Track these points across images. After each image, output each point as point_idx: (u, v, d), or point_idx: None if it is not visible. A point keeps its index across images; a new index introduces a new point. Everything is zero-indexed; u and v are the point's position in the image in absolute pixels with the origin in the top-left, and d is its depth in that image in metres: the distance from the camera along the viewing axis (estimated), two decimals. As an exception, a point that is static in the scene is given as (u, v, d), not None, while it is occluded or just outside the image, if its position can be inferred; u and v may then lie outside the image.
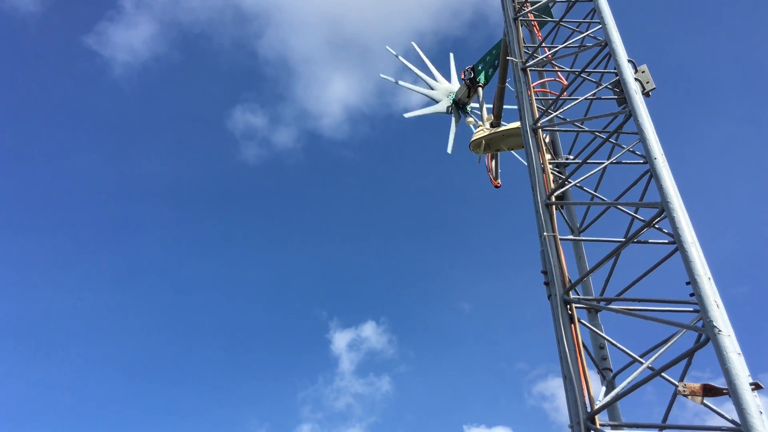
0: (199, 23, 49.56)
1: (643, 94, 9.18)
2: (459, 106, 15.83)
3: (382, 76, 16.22)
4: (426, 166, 49.33)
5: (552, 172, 9.69)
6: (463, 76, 15.71)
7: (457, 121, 15.62)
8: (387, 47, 16.56)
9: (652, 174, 7.66)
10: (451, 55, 16.50)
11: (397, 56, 16.26)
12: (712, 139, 40.95)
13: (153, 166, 49.21)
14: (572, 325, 7.50)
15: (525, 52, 10.97)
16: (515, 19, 11.43)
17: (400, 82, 16.31)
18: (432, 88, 16.33)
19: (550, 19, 11.76)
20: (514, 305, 43.85)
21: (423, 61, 16.62)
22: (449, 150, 15.00)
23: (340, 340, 44.35)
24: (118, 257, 46.59)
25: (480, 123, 13.53)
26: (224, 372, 44.18)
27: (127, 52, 48.18)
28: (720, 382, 6.21)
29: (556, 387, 40.01)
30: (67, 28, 49.63)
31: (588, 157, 9.13)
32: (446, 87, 16.36)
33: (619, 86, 9.29)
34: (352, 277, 48.59)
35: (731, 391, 5.68)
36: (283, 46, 51.53)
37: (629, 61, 9.55)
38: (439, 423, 41.07)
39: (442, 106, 15.80)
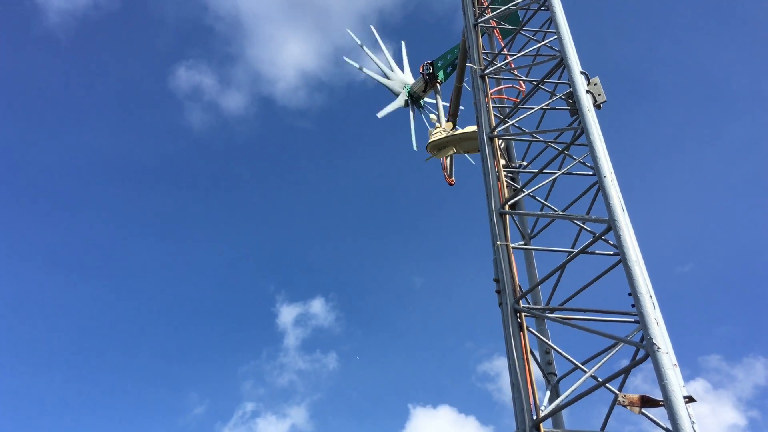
0: None
1: (594, 105, 9.55)
2: (414, 98, 16.10)
3: (345, 59, 16.50)
4: (383, 145, 48.96)
5: (505, 179, 10.00)
6: (422, 70, 15.95)
7: (414, 117, 15.96)
8: (348, 30, 16.73)
9: (601, 190, 8.02)
10: (403, 44, 16.79)
11: (362, 46, 16.45)
12: (657, 135, 42.52)
13: (88, 129, 46.65)
14: (521, 334, 7.85)
15: (484, 59, 11.19)
16: (475, 25, 11.63)
17: (365, 69, 16.55)
18: (387, 77, 16.55)
19: (509, 26, 12.01)
20: (464, 284, 44.36)
21: (380, 45, 16.98)
22: (415, 147, 15.42)
23: (287, 314, 44.02)
24: (52, 234, 44.87)
25: (437, 124, 13.77)
26: (164, 345, 43.42)
27: None
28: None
29: (501, 367, 41.00)
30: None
31: (543, 168, 9.46)
32: (401, 78, 16.59)
33: (572, 97, 9.62)
34: (302, 251, 48.07)
35: (667, 405, 6.10)
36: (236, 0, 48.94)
37: (582, 73, 9.86)
38: (385, 402, 41.65)
39: (401, 101, 16.08)
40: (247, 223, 48.54)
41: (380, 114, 15.66)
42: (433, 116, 14.60)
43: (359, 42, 16.48)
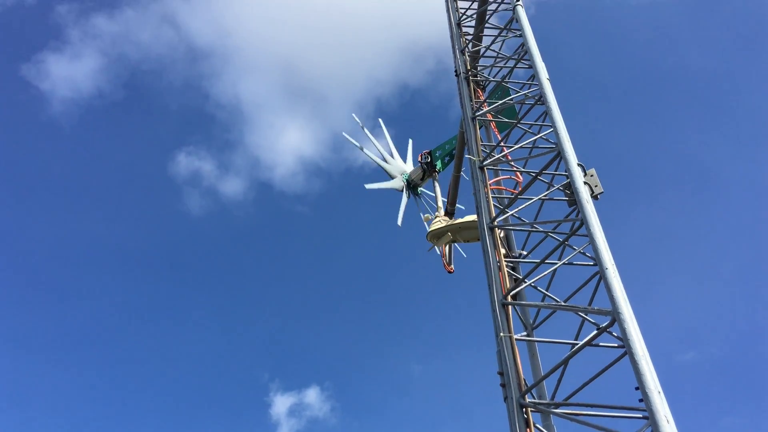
0: (149, 60, 47.91)
1: (592, 197, 9.70)
2: (410, 186, 16.39)
3: (344, 135, 16.93)
4: (381, 231, 48.87)
5: (506, 269, 10.01)
6: (420, 159, 16.32)
7: (408, 197, 16.18)
8: (344, 134, 17.24)
9: (604, 283, 8.03)
10: (410, 141, 17.20)
11: (361, 149, 16.99)
12: (654, 223, 43.04)
13: (87, 216, 46.61)
14: (528, 430, 7.65)
15: (482, 150, 11.47)
16: (473, 119, 11.98)
17: (365, 150, 16.93)
18: (386, 162, 16.90)
19: (506, 119, 12.37)
20: (464, 373, 43.12)
21: (383, 132, 17.51)
22: (399, 222, 15.67)
23: (281, 404, 42.46)
24: (48, 321, 43.99)
25: (437, 214, 13.94)
26: None
27: (69, 87, 45.90)
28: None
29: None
30: (3, 54, 46.75)
31: (544, 259, 9.51)
32: (400, 166, 16.95)
33: (570, 188, 9.79)
34: (297, 338, 46.95)
35: None
36: (237, 88, 49.71)
37: (578, 164, 10.07)
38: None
39: (397, 184, 16.38)
40: (241, 308, 47.94)
41: (369, 186, 15.95)
42: (426, 216, 14.77)
43: (359, 145, 16.99)
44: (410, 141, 17.33)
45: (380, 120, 17.83)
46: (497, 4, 13.52)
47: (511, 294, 9.32)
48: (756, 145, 40.71)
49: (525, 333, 10.12)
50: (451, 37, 14.18)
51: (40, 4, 47.52)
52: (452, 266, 14.68)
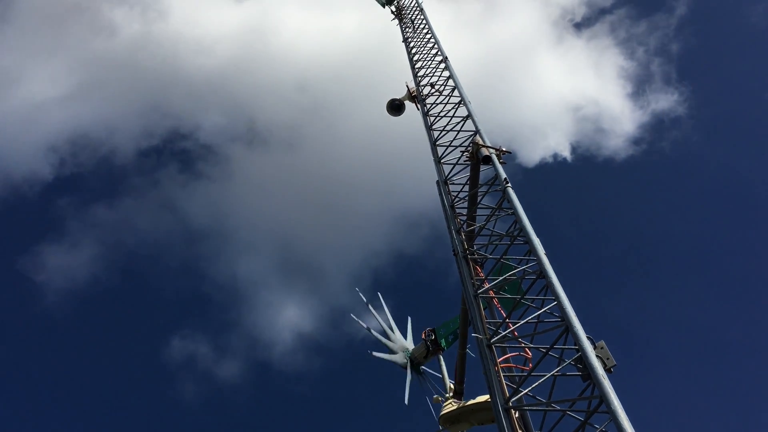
0: (146, 245, 48.29)
1: (605, 370, 9.47)
2: (413, 363, 16.10)
3: (353, 317, 17.34)
4: (386, 410, 46.67)
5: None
6: (424, 337, 16.20)
7: (411, 375, 15.81)
8: (356, 289, 17.47)
9: (634, 465, 7.62)
10: (409, 319, 17.29)
11: (369, 330, 17.01)
12: (668, 391, 41.86)
13: (77, 411, 44.36)
14: None
15: (489, 328, 11.38)
16: (476, 296, 12.03)
17: (372, 331, 17.19)
18: (388, 338, 16.79)
19: (509, 296, 12.38)
20: None
21: (381, 305, 17.64)
22: (406, 401, 15.14)
23: None
24: None
25: (447, 396, 13.53)
26: None
27: (64, 278, 45.43)
28: None
29: None
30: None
31: (565, 442, 9.08)
32: (402, 343, 16.78)
33: (582, 362, 9.59)
34: None
35: None
36: (235, 268, 49.77)
37: (588, 337, 9.96)
38: None
39: (400, 360, 16.16)
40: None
41: (376, 354, 15.88)
42: (437, 397, 14.38)
43: (366, 326, 17.22)
44: (409, 319, 17.38)
45: (379, 294, 18.04)
46: (488, 187, 14.13)
47: (536, 482, 8.76)
48: (755, 307, 40.96)
49: None
50: (446, 218, 14.64)
51: (41, 197, 49.57)
52: (467, 451, 13.95)
